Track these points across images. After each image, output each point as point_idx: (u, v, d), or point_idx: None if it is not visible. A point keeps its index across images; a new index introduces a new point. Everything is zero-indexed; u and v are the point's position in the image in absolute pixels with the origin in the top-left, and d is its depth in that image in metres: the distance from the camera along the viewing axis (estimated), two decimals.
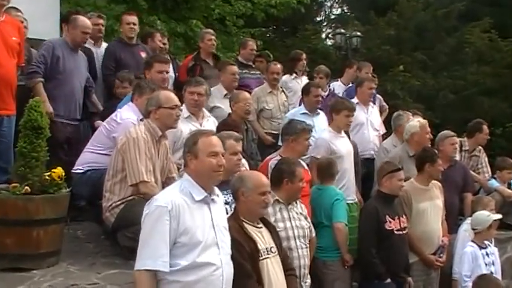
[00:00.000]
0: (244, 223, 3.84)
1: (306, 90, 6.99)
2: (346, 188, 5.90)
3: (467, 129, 7.82)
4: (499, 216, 6.04)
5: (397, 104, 14.82)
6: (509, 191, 7.35)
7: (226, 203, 4.20)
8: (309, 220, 4.88)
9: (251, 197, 3.88)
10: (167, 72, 5.67)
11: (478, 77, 16.76)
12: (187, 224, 3.18)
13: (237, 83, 6.85)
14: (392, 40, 17.14)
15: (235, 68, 6.83)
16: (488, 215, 5.86)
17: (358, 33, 16.39)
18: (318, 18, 23.34)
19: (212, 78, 6.90)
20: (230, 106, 6.10)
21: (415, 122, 6.58)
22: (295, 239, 4.54)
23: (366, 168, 6.96)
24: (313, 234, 4.91)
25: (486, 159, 7.75)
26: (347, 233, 5.36)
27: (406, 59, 16.79)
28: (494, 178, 7.47)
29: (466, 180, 6.84)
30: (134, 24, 6.97)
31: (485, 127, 7.67)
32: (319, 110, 7.01)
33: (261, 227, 3.97)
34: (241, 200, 3.91)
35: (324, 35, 21.32)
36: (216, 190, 3.46)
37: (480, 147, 7.71)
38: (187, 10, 12.61)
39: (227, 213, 3.81)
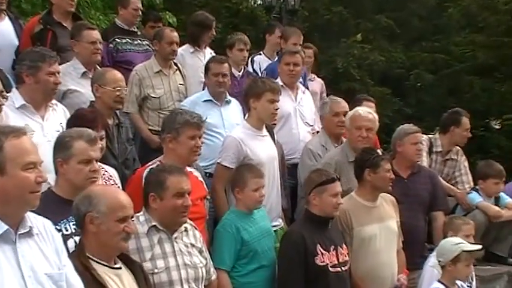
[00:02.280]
0: (93, 263, 3.77)
1: (206, 67, 7.02)
2: (268, 209, 5.95)
3: (441, 123, 8.04)
4: (474, 247, 5.95)
5: (352, 87, 15.22)
6: (497, 208, 7.51)
7: (76, 234, 4.16)
8: (207, 255, 4.88)
9: (105, 226, 3.81)
10: None
11: (466, 49, 17.30)
12: None
13: (99, 55, 6.79)
14: None
15: (95, 34, 6.73)
16: (456, 243, 5.90)
17: None
18: None
19: (71, 49, 6.83)
20: (92, 90, 6.03)
21: (350, 112, 6.72)
22: (182, 284, 4.50)
23: (293, 179, 7.07)
24: (214, 276, 4.93)
25: (466, 164, 7.98)
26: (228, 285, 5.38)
27: (366, 24, 17.14)
28: (477, 190, 7.66)
29: (436, 194, 7.03)
30: None
31: (465, 120, 7.83)
32: (230, 97, 7.05)
33: (119, 268, 3.90)
34: (90, 229, 3.83)
35: None
36: (30, 219, 3.27)
37: (458, 147, 7.92)
38: None
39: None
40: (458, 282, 5.94)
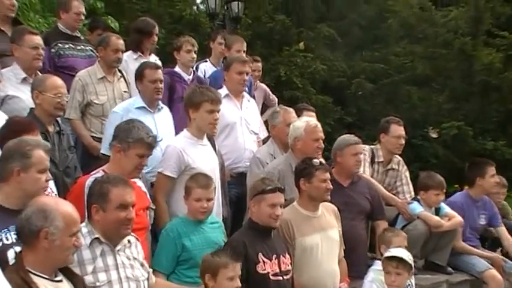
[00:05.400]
0: (32, 276, 3.66)
1: (139, 73, 6.86)
2: None
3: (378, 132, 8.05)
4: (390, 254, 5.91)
5: (295, 95, 15.29)
6: (437, 218, 7.53)
7: (16, 244, 4.04)
8: (147, 268, 4.79)
9: (60, 241, 3.74)
10: None
11: (405, 59, 17.56)
12: None
13: (41, 61, 6.64)
14: (288, 7, 17.51)
15: (37, 39, 6.60)
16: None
17: None
18: None
19: (11, 54, 6.69)
20: (32, 97, 5.91)
21: (300, 123, 6.69)
22: None
23: (239, 189, 7.04)
24: None
25: (407, 174, 8.01)
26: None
27: (308, 33, 17.23)
28: (418, 201, 7.70)
29: (375, 203, 7.08)
30: None
31: (394, 127, 7.81)
32: (162, 104, 6.95)
33: (59, 281, 3.80)
34: (43, 245, 3.72)
35: None
36: None
37: (399, 158, 7.96)
38: None
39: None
40: None
